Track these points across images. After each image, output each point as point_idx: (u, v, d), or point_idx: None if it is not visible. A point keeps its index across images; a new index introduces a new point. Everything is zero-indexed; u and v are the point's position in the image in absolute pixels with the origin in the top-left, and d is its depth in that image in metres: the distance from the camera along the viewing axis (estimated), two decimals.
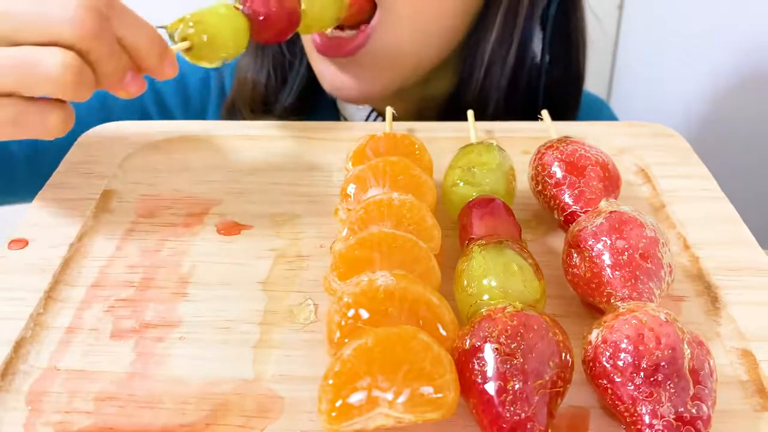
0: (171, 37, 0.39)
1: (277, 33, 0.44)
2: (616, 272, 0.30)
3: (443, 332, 0.27)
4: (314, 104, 0.60)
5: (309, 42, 0.52)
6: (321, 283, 0.33)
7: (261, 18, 0.42)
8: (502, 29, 0.52)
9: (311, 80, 0.58)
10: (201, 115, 0.64)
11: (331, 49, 0.50)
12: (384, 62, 0.51)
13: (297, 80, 0.59)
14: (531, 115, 0.46)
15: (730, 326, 0.32)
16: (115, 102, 0.59)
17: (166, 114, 0.62)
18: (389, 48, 0.50)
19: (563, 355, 0.26)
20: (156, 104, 0.62)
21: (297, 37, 0.52)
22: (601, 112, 0.67)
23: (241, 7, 0.42)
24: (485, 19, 0.52)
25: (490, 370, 0.25)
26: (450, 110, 0.49)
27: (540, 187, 0.37)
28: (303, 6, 0.45)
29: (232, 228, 0.39)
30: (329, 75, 0.52)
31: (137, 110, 0.61)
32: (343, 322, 0.27)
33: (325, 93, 0.56)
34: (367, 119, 0.60)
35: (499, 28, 0.52)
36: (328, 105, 0.62)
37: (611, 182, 0.36)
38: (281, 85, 0.59)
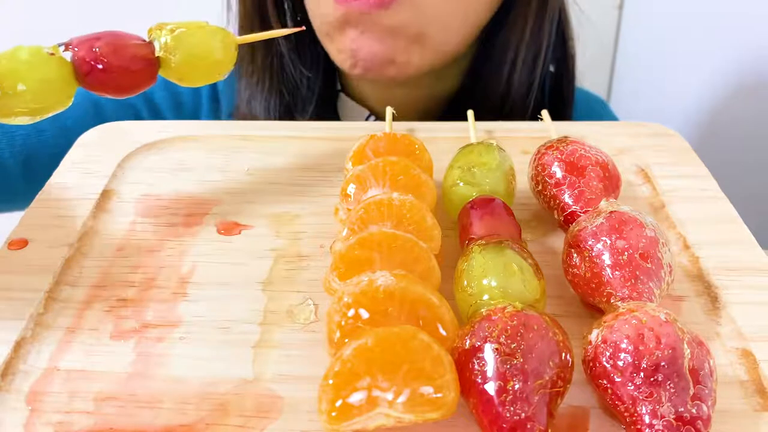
0: None
1: (120, 87, 0.35)
2: (616, 272, 0.30)
3: (443, 332, 0.27)
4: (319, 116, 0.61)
5: (329, 15, 0.49)
6: (321, 283, 0.33)
7: (93, 68, 0.34)
8: (531, 33, 0.52)
9: (319, 95, 0.58)
10: (193, 118, 0.64)
11: None
12: (406, 36, 0.49)
13: (308, 100, 0.59)
14: (531, 114, 0.46)
15: (730, 326, 0.32)
16: (108, 106, 0.60)
17: (158, 118, 0.62)
18: (413, 23, 0.48)
19: (563, 355, 0.26)
20: (148, 108, 0.62)
21: (302, 50, 0.50)
22: (601, 112, 0.67)
23: (61, 51, 0.34)
24: (510, 22, 0.52)
25: (490, 370, 0.25)
26: (460, 111, 0.49)
27: (540, 187, 0.37)
28: (159, 53, 0.35)
29: (232, 228, 0.39)
30: (350, 40, 0.49)
31: (130, 115, 0.61)
32: (343, 322, 0.27)
33: (328, 102, 0.55)
34: (366, 119, 0.60)
35: (529, 32, 0.52)
36: (330, 114, 0.62)
37: (611, 182, 0.36)
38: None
